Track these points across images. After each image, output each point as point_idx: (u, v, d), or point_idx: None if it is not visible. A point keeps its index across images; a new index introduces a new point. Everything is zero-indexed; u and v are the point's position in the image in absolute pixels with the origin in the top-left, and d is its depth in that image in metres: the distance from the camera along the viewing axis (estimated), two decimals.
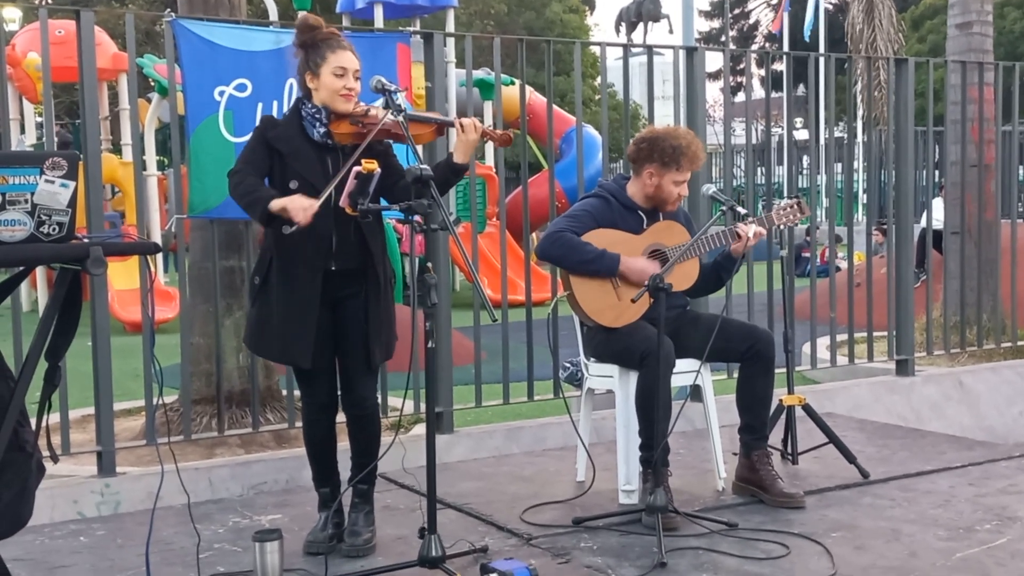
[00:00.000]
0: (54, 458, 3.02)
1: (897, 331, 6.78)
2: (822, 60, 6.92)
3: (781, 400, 4.81)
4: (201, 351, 5.50)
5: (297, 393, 4.03)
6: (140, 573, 3.56)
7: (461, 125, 3.67)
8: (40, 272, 11.27)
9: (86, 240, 2.72)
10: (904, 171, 6.82)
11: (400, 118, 3.59)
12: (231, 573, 3.64)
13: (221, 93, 4.83)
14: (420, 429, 5.49)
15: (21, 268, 2.92)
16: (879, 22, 21.45)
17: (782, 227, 4.47)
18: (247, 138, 3.82)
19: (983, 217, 7.52)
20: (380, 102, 3.69)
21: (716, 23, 46.33)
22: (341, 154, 3.68)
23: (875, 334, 6.83)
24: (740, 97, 33.90)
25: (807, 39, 26.65)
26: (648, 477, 4.12)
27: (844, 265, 11.28)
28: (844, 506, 4.29)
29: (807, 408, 4.82)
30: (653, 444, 4.04)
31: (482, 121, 3.79)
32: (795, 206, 4.42)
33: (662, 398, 4.01)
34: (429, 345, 3.43)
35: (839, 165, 9.08)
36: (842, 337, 6.90)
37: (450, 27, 15.11)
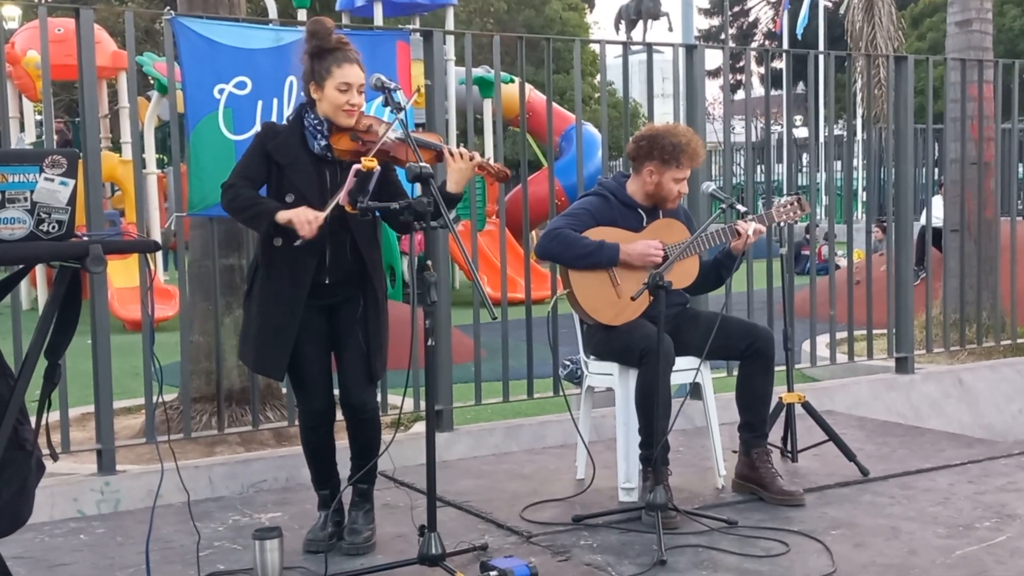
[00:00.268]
0: (54, 456, 3.03)
1: (897, 329, 6.79)
2: (822, 58, 6.91)
3: (781, 398, 4.81)
4: (201, 349, 5.50)
5: (295, 397, 4.03)
6: (140, 571, 3.57)
7: (451, 154, 3.62)
8: (40, 270, 11.28)
9: (85, 238, 2.71)
10: (904, 169, 6.82)
11: (401, 136, 3.57)
12: (231, 571, 3.64)
13: (221, 91, 4.82)
14: (420, 427, 5.49)
15: (21, 266, 2.91)
16: (879, 20, 21.45)
17: (782, 224, 4.47)
18: (247, 136, 3.82)
19: (983, 215, 7.52)
20: (379, 100, 3.68)
21: (716, 21, 46.33)
22: (339, 168, 3.65)
23: (875, 332, 6.84)
24: (740, 95, 33.91)
25: (799, 37, 26.65)
26: (648, 475, 4.12)
27: (844, 263, 11.28)
28: (844, 504, 4.29)
29: (807, 406, 4.82)
30: (653, 442, 4.04)
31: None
32: (795, 203, 4.42)
33: (662, 396, 4.01)
34: (429, 343, 3.43)
35: (839, 163, 9.07)
36: (842, 335, 6.91)
37: (449, 25, 15.10)
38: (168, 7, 4.87)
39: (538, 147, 15.62)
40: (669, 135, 4.28)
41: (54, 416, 4.24)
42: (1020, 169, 9.95)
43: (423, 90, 4.86)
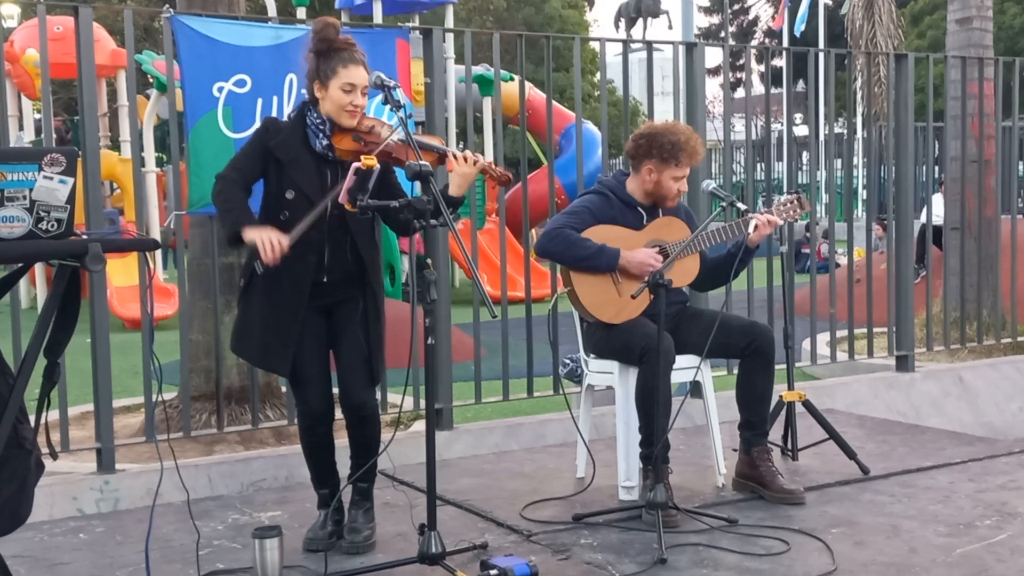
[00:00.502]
0: (53, 455, 3.02)
1: (897, 327, 6.78)
2: (822, 56, 6.90)
3: (781, 396, 4.80)
4: (200, 348, 5.49)
5: (294, 397, 4.03)
6: (140, 570, 3.56)
7: (455, 157, 3.62)
8: (39, 269, 11.28)
9: (85, 236, 2.71)
10: (904, 167, 6.82)
11: (403, 138, 3.57)
12: (231, 570, 3.63)
13: (220, 89, 4.82)
14: (420, 426, 5.49)
15: (20, 265, 2.91)
16: (879, 18, 21.44)
17: (782, 222, 4.46)
18: (247, 134, 3.81)
19: (983, 213, 7.52)
20: (379, 98, 3.68)
21: (715, 19, 46.31)
22: (340, 168, 3.64)
23: (875, 330, 6.84)
24: (740, 93, 33.90)
25: (798, 35, 26.62)
26: (648, 473, 4.11)
27: (844, 261, 11.28)
28: (844, 502, 4.29)
29: (807, 404, 4.81)
30: (653, 440, 4.03)
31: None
32: (795, 202, 4.42)
33: (662, 394, 4.01)
34: (429, 341, 3.43)
35: (839, 161, 9.07)
36: (842, 333, 6.90)
37: (449, 23, 15.09)
38: (167, 5, 4.86)
39: (538, 145, 15.62)
40: (668, 133, 4.27)
41: (53, 415, 4.23)
42: (1020, 167, 9.93)
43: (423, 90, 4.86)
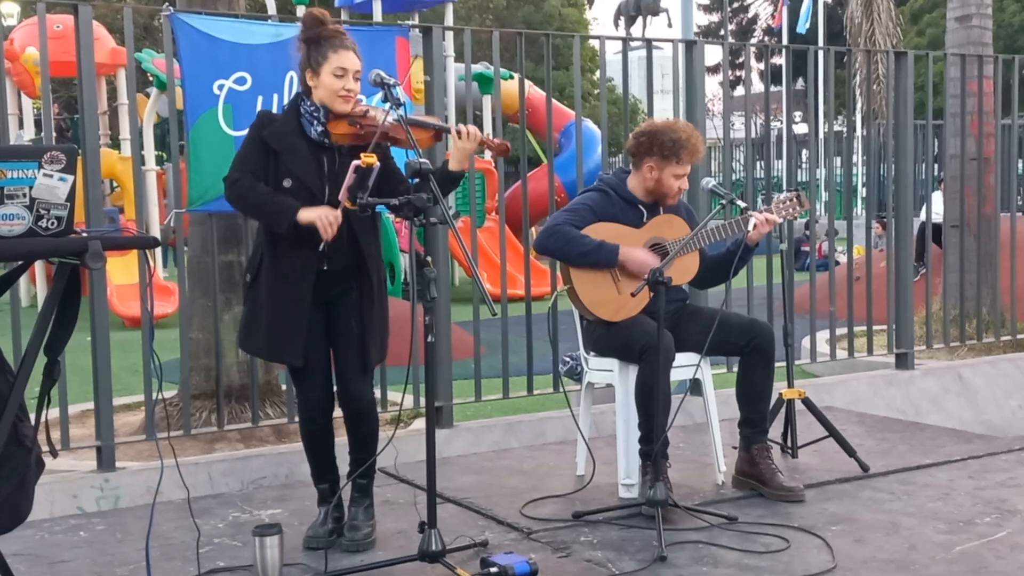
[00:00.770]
0: (53, 453, 3.03)
1: (896, 325, 6.79)
2: (821, 53, 6.90)
3: (781, 394, 4.81)
4: (200, 346, 5.49)
5: (295, 390, 4.03)
6: (140, 568, 3.56)
7: (458, 132, 3.64)
8: (39, 267, 11.29)
9: (84, 234, 2.71)
10: (903, 165, 6.82)
11: (399, 119, 3.57)
12: (231, 568, 3.64)
13: (220, 87, 4.82)
14: (420, 423, 5.49)
15: (20, 263, 2.91)
16: (877, 16, 21.42)
17: (782, 220, 4.46)
18: (247, 132, 3.81)
19: (982, 210, 7.52)
20: (379, 96, 3.68)
21: (715, 17, 46.31)
22: (337, 154, 3.66)
23: (874, 328, 6.84)
24: (739, 91, 33.88)
25: (802, 33, 26.62)
26: (648, 471, 4.12)
27: (844, 259, 11.27)
28: (844, 499, 4.29)
29: (807, 402, 4.82)
30: (653, 438, 4.04)
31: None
32: (794, 199, 4.42)
33: (662, 392, 4.01)
34: (428, 339, 3.43)
35: (838, 159, 9.07)
36: (841, 331, 6.90)
37: (449, 21, 15.09)
38: (167, 3, 4.86)
39: (538, 143, 15.62)
40: (669, 131, 4.27)
41: (53, 413, 4.24)
42: (1020, 165, 9.94)
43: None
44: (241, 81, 4.85)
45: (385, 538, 3.87)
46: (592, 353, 4.48)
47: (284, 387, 5.42)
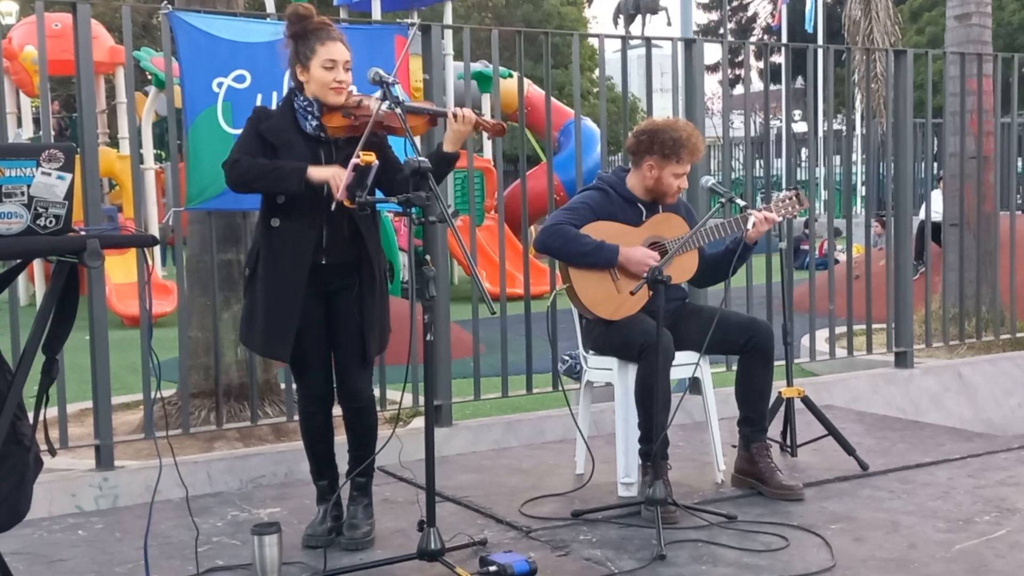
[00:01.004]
0: (52, 452, 3.02)
1: (896, 323, 6.78)
2: (820, 52, 6.90)
3: (780, 392, 4.80)
4: (199, 345, 5.49)
5: (295, 386, 4.03)
6: (139, 567, 3.56)
7: (453, 115, 3.64)
8: (38, 265, 11.28)
9: (83, 233, 2.71)
10: (903, 163, 6.81)
11: (394, 109, 3.57)
12: (230, 566, 3.63)
13: (220, 85, 4.82)
14: (419, 422, 5.48)
15: (18, 261, 2.91)
16: (876, 14, 21.40)
17: (781, 219, 4.46)
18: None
19: (982, 209, 7.52)
20: (378, 94, 3.68)
21: (714, 15, 46.29)
22: (334, 147, 3.66)
23: (874, 326, 6.83)
24: (739, 89, 33.87)
25: (809, 30, 26.63)
26: (647, 470, 4.11)
27: (843, 257, 11.27)
28: (843, 498, 4.29)
29: (806, 400, 4.81)
30: (652, 437, 4.03)
31: (480, 112, 3.78)
32: (793, 198, 4.42)
33: (661, 390, 4.01)
34: (428, 338, 3.43)
35: (838, 157, 9.07)
36: (841, 329, 6.90)
37: (448, 19, 15.08)
38: (165, 1, 4.86)
39: (537, 142, 15.62)
40: (670, 130, 4.27)
41: (52, 412, 4.24)
42: (1019, 163, 9.93)
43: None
44: (240, 79, 4.85)
45: (384, 537, 3.86)
46: (591, 352, 4.48)
47: (283, 386, 5.41)
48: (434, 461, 3.46)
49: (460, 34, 6.48)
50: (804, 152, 21.86)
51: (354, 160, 3.41)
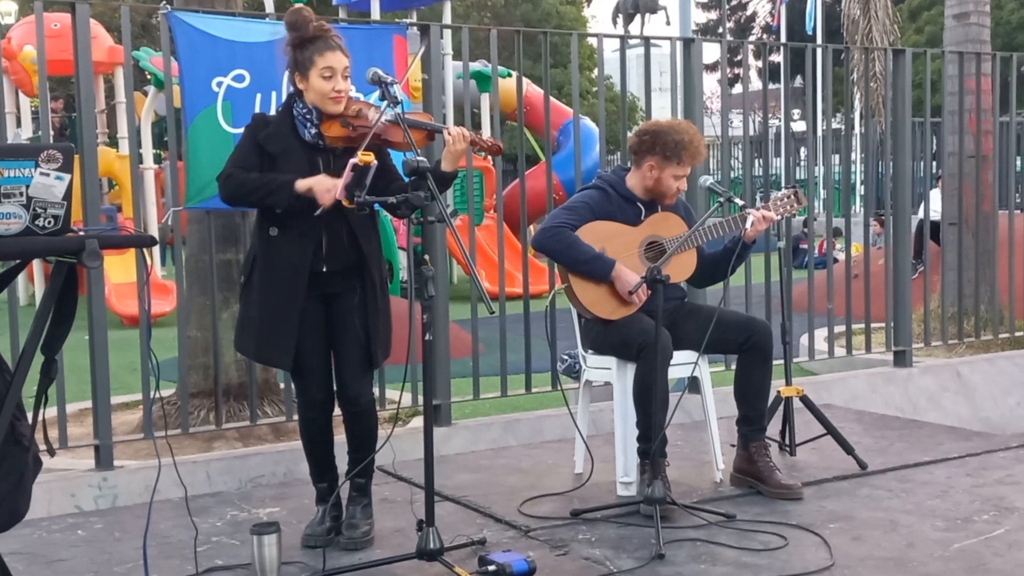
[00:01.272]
0: (51, 452, 3.02)
1: (895, 322, 6.79)
2: (819, 51, 6.90)
3: (779, 391, 4.81)
4: (198, 344, 5.49)
5: (294, 388, 4.03)
6: (138, 566, 3.56)
7: (449, 134, 3.62)
8: (37, 265, 11.27)
9: (82, 233, 2.71)
10: (902, 162, 6.82)
11: (392, 118, 3.57)
12: (229, 566, 3.64)
13: (219, 84, 4.82)
14: (418, 422, 5.49)
15: (17, 261, 2.91)
16: (874, 13, 21.40)
17: (779, 217, 4.46)
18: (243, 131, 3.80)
19: (981, 208, 7.52)
20: (376, 94, 3.67)
21: (713, 14, 46.28)
22: (332, 155, 3.65)
23: (873, 325, 6.84)
24: (737, 88, 33.88)
25: (809, 32, 26.63)
26: (646, 469, 4.12)
27: (842, 257, 11.27)
28: (842, 497, 4.29)
29: (805, 399, 4.82)
30: (651, 436, 4.04)
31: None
32: (792, 196, 4.42)
33: (660, 390, 4.01)
34: (427, 338, 3.43)
35: (836, 156, 9.07)
36: (840, 329, 6.90)
37: (447, 19, 15.08)
38: (164, 1, 4.86)
39: (536, 141, 15.61)
40: (672, 131, 4.27)
41: (51, 412, 4.24)
42: (1018, 162, 9.93)
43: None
44: (240, 79, 4.85)
45: (383, 536, 3.87)
46: (590, 351, 4.48)
47: (282, 385, 5.41)
48: (433, 461, 3.46)
49: (459, 34, 6.49)
50: (803, 151, 21.86)
51: (353, 160, 3.41)
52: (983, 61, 7.50)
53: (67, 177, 2.61)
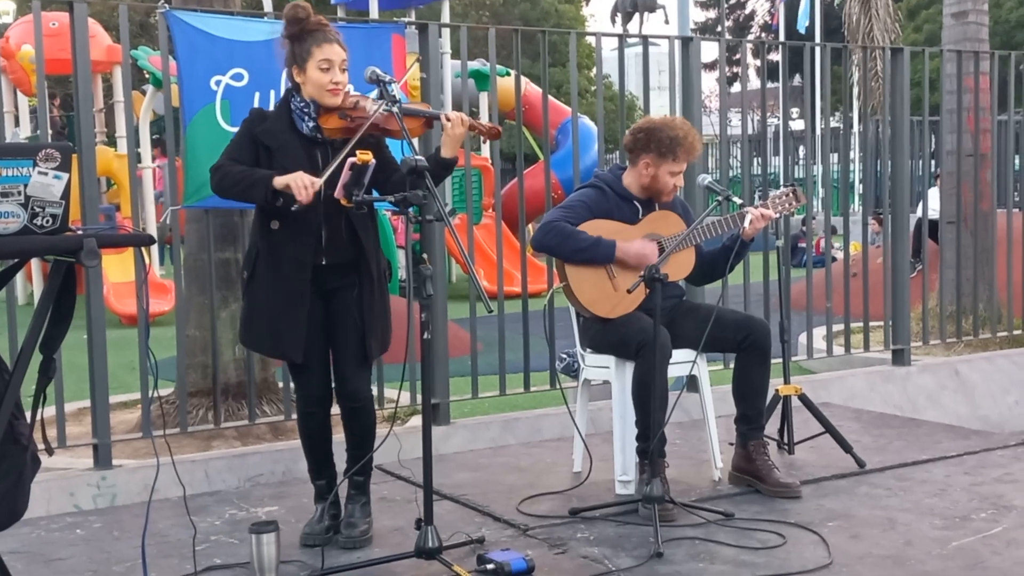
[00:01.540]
0: (49, 451, 3.02)
1: (893, 321, 6.79)
2: (818, 50, 6.90)
3: (777, 390, 4.81)
4: (197, 343, 5.49)
5: (293, 385, 4.03)
6: (136, 565, 3.56)
7: (447, 118, 3.63)
8: (36, 265, 11.27)
9: (80, 232, 2.71)
10: (900, 161, 6.82)
11: (391, 109, 3.57)
12: (228, 565, 3.64)
13: (218, 83, 4.82)
14: (416, 420, 5.49)
15: (15, 260, 2.91)
16: (875, 12, 21.42)
17: (778, 215, 4.47)
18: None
19: (979, 206, 7.52)
20: (374, 93, 3.68)
21: (712, 13, 46.28)
22: (331, 148, 3.65)
23: (871, 324, 6.84)
24: (736, 87, 33.88)
25: (803, 31, 26.63)
26: (644, 467, 4.12)
27: (840, 255, 11.27)
28: (840, 495, 4.30)
29: (803, 398, 4.82)
30: (649, 434, 4.04)
31: (478, 111, 3.78)
32: (790, 194, 4.42)
33: (658, 388, 4.01)
34: (425, 336, 3.43)
35: (835, 155, 9.07)
36: (838, 327, 6.91)
37: (445, 18, 15.07)
38: (163, 0, 4.86)
39: (534, 140, 15.61)
40: (667, 128, 4.27)
41: (50, 411, 4.24)
42: (1016, 161, 9.92)
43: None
44: (238, 77, 4.85)
45: (382, 535, 3.87)
46: (589, 350, 4.48)
47: (281, 384, 5.41)
48: (431, 459, 3.46)
49: (457, 32, 6.48)
50: (801, 150, 21.85)
51: (351, 159, 3.41)
52: (981, 60, 7.50)
53: (65, 176, 2.62)
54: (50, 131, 5.05)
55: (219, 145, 4.68)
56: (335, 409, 3.85)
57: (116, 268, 11.24)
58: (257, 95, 4.87)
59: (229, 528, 4.09)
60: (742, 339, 4.31)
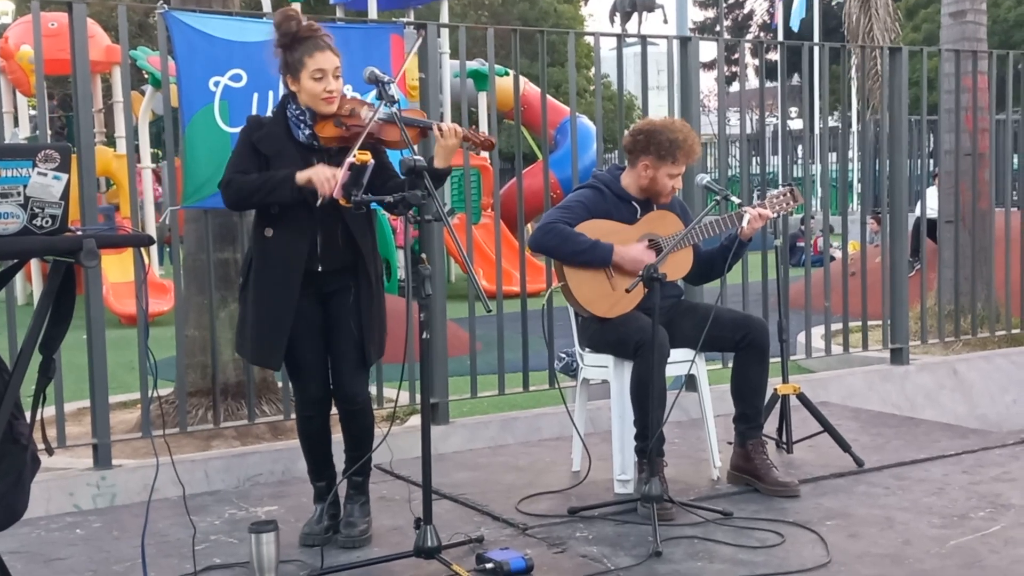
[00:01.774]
0: (49, 451, 3.03)
1: (891, 320, 6.80)
2: (816, 49, 6.91)
3: (776, 389, 4.82)
4: (196, 343, 5.49)
5: (292, 387, 4.04)
6: (136, 565, 3.56)
7: (440, 130, 3.63)
8: (35, 265, 11.27)
9: (79, 232, 2.71)
10: (898, 160, 6.82)
11: (386, 115, 3.57)
12: (227, 564, 3.64)
13: (216, 83, 4.82)
14: (415, 420, 5.49)
15: (14, 261, 2.92)
16: (875, 11, 21.41)
17: (776, 215, 4.47)
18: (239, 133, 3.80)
19: (977, 206, 7.53)
20: (373, 94, 3.68)
21: (710, 13, 46.27)
22: (327, 156, 3.65)
23: (869, 323, 6.84)
24: (734, 87, 33.87)
25: (795, 30, 26.61)
26: (643, 467, 4.12)
27: (839, 254, 11.27)
28: (838, 494, 4.30)
29: (802, 397, 4.83)
30: (648, 434, 4.05)
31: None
32: (788, 194, 4.43)
33: (657, 388, 4.02)
34: (424, 336, 3.44)
35: (833, 154, 9.08)
36: (837, 326, 6.91)
37: (444, 18, 15.07)
38: (162, 1, 4.86)
39: (533, 140, 15.61)
40: (667, 130, 4.28)
41: (49, 411, 4.25)
42: (1014, 160, 9.93)
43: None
44: (237, 78, 4.85)
45: (381, 535, 3.87)
46: (587, 349, 4.49)
47: (280, 384, 5.42)
48: (430, 459, 3.47)
49: (456, 32, 6.49)
50: (800, 149, 21.86)
51: (349, 159, 3.42)
52: (979, 59, 7.51)
53: (64, 177, 2.62)
54: (49, 131, 5.04)
55: (218, 146, 4.71)
56: (334, 410, 3.86)
57: (115, 268, 11.25)
58: (256, 96, 4.87)
59: (228, 528, 4.09)
60: (740, 338, 4.32)
